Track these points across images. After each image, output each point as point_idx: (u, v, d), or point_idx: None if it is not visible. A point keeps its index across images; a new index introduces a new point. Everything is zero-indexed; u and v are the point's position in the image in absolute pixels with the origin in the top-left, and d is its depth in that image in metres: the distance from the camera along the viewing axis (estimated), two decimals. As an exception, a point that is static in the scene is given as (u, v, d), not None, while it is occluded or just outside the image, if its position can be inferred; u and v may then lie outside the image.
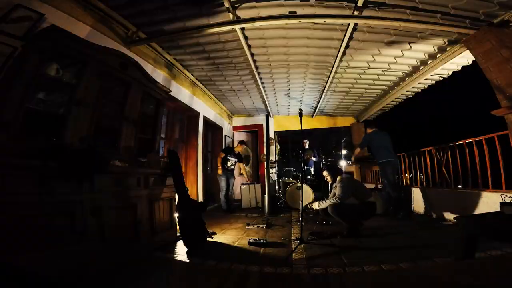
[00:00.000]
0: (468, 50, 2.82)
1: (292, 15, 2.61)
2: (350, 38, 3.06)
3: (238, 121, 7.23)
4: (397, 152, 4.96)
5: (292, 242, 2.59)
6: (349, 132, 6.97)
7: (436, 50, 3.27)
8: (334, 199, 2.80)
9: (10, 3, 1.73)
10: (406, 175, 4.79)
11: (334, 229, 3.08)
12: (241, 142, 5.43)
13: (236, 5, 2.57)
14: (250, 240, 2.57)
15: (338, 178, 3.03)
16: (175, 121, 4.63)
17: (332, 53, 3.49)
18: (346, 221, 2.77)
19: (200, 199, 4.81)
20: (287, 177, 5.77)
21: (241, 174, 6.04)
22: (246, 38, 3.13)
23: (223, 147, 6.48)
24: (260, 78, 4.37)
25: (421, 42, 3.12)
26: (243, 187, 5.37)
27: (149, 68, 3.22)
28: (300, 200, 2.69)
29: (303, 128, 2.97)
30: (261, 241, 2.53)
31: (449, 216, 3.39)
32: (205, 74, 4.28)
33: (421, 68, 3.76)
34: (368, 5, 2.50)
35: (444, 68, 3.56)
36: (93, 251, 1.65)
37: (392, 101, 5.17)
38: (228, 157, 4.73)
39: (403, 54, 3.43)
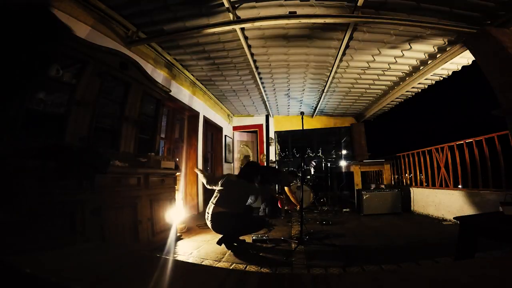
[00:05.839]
0: (468, 50, 2.82)
1: (292, 15, 2.61)
2: (350, 38, 3.06)
3: (238, 121, 7.22)
4: (398, 152, 4.98)
5: (292, 242, 2.60)
6: (349, 132, 6.97)
7: (436, 50, 3.27)
8: None
9: (10, 3, 1.73)
10: (406, 175, 4.79)
11: (334, 229, 3.08)
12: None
13: (236, 5, 2.57)
14: (254, 237, 2.66)
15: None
16: (175, 121, 4.63)
17: (332, 53, 3.49)
18: None
19: (200, 199, 4.80)
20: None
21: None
22: (246, 38, 3.13)
23: (224, 147, 6.38)
24: (260, 78, 4.36)
25: (421, 42, 3.12)
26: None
27: (149, 68, 3.22)
28: (300, 200, 2.70)
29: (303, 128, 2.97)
30: (264, 237, 2.64)
31: (449, 216, 3.39)
32: (205, 74, 4.28)
33: (421, 68, 3.76)
34: (368, 5, 2.50)
35: (444, 68, 3.56)
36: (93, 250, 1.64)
37: (392, 101, 5.17)
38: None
39: (403, 54, 3.43)
